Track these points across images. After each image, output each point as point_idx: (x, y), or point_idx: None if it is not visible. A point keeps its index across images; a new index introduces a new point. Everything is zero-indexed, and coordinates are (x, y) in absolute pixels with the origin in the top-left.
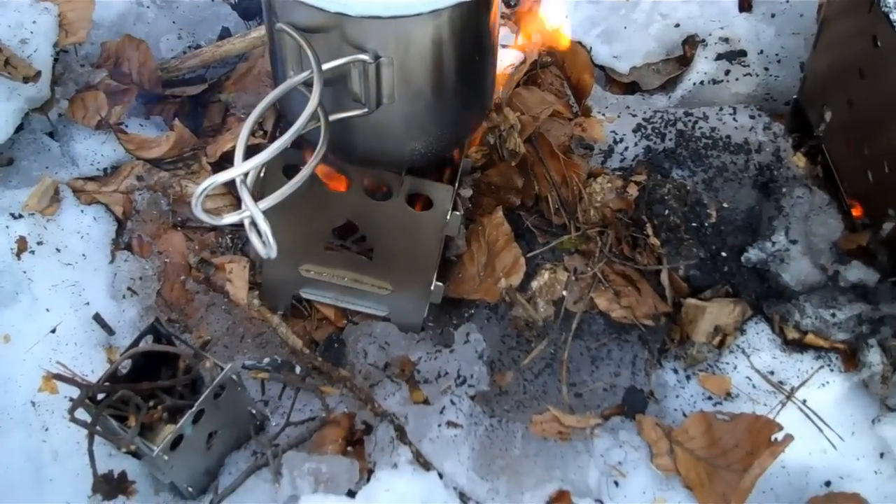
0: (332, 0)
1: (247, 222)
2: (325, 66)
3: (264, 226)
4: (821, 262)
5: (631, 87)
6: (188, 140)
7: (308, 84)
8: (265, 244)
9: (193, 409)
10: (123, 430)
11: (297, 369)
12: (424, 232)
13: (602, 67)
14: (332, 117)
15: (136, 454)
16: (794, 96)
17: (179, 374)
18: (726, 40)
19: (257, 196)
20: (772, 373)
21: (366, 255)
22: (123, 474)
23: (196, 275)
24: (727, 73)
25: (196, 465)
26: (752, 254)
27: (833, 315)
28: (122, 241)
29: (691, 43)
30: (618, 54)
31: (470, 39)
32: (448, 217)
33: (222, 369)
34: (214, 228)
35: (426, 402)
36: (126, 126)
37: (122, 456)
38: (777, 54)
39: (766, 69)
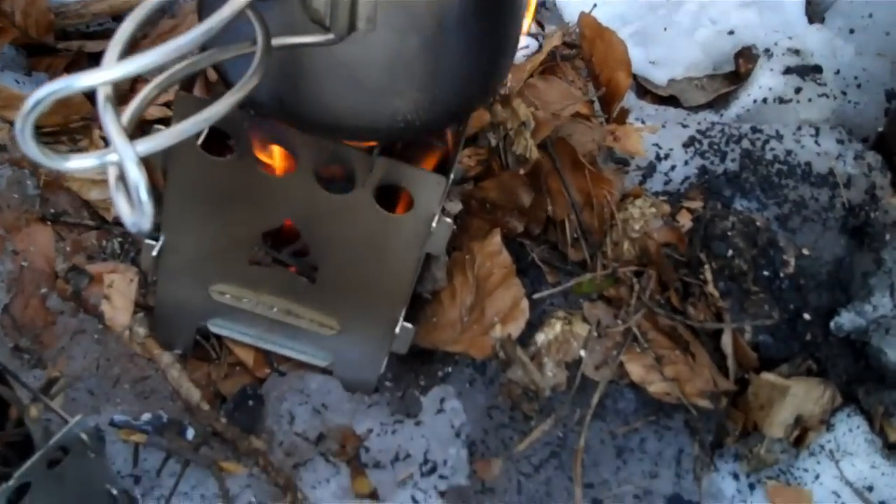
0: None
1: (112, 170)
2: None
3: (137, 173)
4: None
5: (668, 103)
6: (78, 106)
7: None
8: (135, 205)
9: (10, 482)
10: None
11: (190, 433)
12: (397, 244)
13: (634, 76)
14: (277, 41)
15: None
16: (879, 129)
17: (8, 426)
18: (796, 52)
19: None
20: (870, 488)
21: (307, 275)
22: None
23: (63, 287)
24: (798, 91)
25: None
26: (845, 319)
27: None
28: None
29: (746, 56)
30: (654, 60)
31: None
32: (434, 223)
33: (66, 423)
34: (99, 227)
35: (373, 496)
36: None
37: None
38: (857, 77)
39: (844, 94)
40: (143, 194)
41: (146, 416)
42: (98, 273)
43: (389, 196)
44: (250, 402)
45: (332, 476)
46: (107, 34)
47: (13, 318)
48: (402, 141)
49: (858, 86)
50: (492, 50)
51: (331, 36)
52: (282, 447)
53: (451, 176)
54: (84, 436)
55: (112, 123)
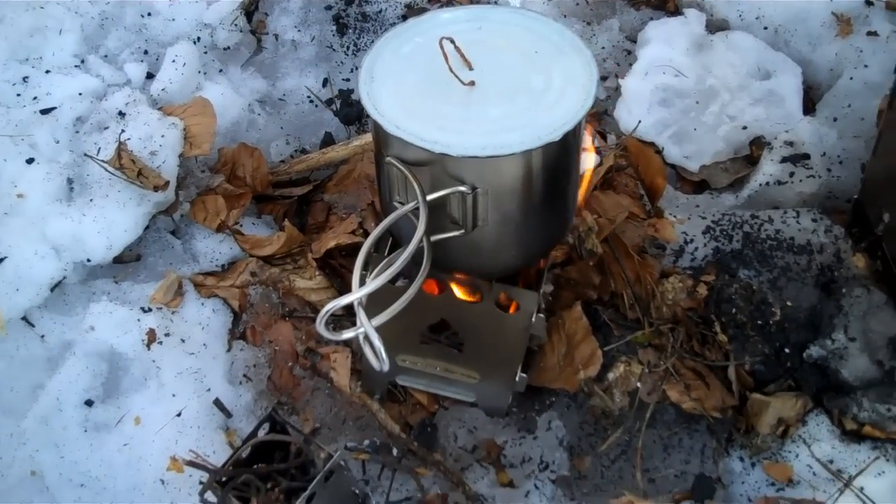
0: (437, 142)
1: (361, 338)
2: (429, 197)
3: (378, 343)
4: (878, 358)
5: (700, 186)
6: (296, 238)
7: (414, 211)
8: (378, 359)
9: (307, 492)
10: None
11: (394, 451)
12: (511, 330)
13: (673, 166)
14: (434, 238)
15: None
16: (855, 196)
17: (291, 456)
18: (791, 144)
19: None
20: (831, 461)
21: (456, 347)
22: None
23: (303, 362)
24: (791, 175)
25: None
26: (814, 350)
27: (889, 410)
28: (238, 331)
29: (758, 144)
30: (688, 154)
31: (556, 170)
32: (533, 319)
33: (331, 457)
34: None
35: (511, 484)
36: (241, 226)
37: None
38: (839, 156)
39: (829, 170)
40: (383, 353)
41: (366, 442)
42: (326, 353)
43: (505, 299)
44: (428, 429)
45: (485, 474)
46: (304, 182)
47: (274, 383)
48: (509, 274)
49: (841, 163)
50: (556, 221)
51: (463, 231)
52: (451, 457)
53: (542, 289)
54: (342, 461)
55: (362, 316)
